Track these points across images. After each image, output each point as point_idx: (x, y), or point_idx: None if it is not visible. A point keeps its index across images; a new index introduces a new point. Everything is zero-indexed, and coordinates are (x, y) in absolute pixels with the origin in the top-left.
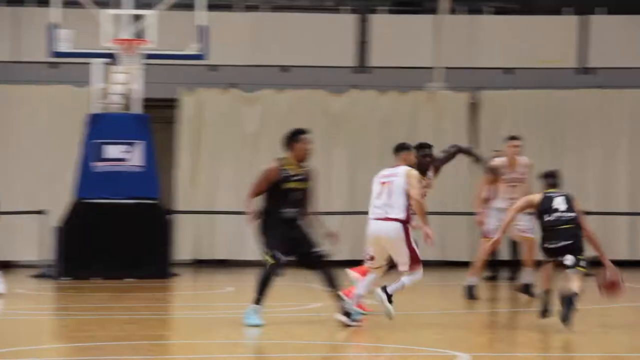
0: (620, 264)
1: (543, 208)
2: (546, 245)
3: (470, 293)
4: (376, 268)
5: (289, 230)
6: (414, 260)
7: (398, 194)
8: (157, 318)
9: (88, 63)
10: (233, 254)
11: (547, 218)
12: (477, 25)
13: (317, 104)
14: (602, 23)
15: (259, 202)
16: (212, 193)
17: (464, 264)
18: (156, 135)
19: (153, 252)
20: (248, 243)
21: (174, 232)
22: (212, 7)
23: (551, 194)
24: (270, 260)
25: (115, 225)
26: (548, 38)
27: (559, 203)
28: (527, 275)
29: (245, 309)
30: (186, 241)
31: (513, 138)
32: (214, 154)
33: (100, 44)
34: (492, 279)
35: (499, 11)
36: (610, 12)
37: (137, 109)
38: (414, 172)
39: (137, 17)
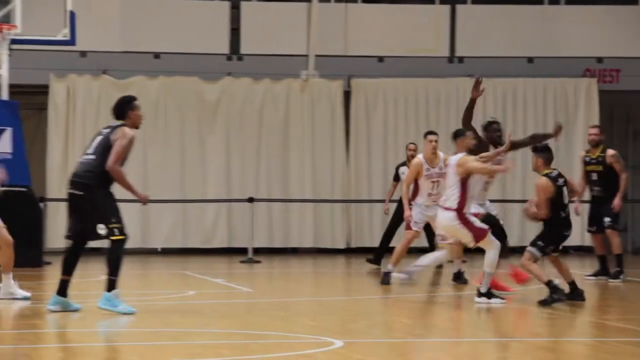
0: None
1: (557, 201)
2: (565, 233)
3: (385, 279)
4: (449, 244)
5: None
6: (479, 235)
7: (452, 185)
8: (29, 307)
9: None
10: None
11: (563, 215)
12: (350, 13)
13: (190, 91)
14: (469, 12)
15: (102, 169)
16: None
17: (338, 252)
18: (27, 122)
19: (25, 240)
20: None
21: (47, 220)
22: None
23: (560, 185)
24: (117, 234)
25: None
26: (420, 27)
27: (566, 196)
28: (457, 265)
29: (111, 299)
30: (59, 229)
31: (431, 133)
32: (86, 140)
33: None
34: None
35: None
36: (475, 2)
37: (5, 95)
38: (463, 160)
39: (4, 2)
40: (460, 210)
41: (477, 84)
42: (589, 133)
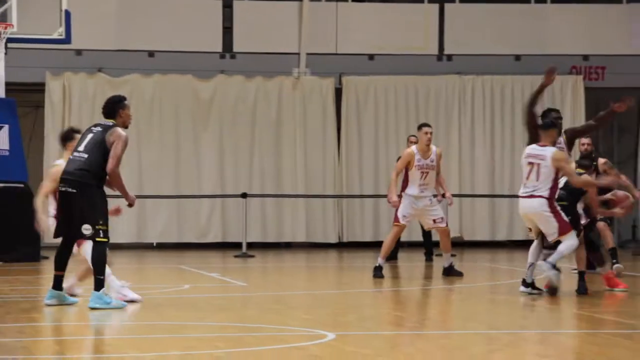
0: (480, 244)
1: None
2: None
3: (377, 273)
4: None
5: None
6: (563, 228)
7: (546, 178)
8: (27, 301)
9: None
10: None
11: None
12: (340, 12)
13: (184, 89)
14: (457, 11)
15: (97, 168)
16: None
17: (330, 246)
18: (24, 119)
19: (22, 235)
20: (117, 226)
21: None
22: None
23: None
24: (102, 237)
25: None
26: (409, 25)
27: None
28: (447, 259)
29: (101, 296)
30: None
31: (425, 125)
32: None
33: None
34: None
35: None
36: (463, 0)
37: (2, 93)
38: (560, 156)
39: (0, 1)
40: (551, 199)
41: (552, 71)
42: (581, 143)
